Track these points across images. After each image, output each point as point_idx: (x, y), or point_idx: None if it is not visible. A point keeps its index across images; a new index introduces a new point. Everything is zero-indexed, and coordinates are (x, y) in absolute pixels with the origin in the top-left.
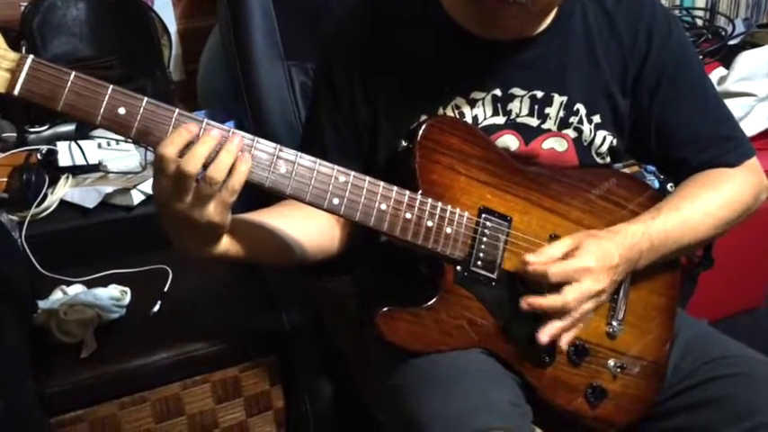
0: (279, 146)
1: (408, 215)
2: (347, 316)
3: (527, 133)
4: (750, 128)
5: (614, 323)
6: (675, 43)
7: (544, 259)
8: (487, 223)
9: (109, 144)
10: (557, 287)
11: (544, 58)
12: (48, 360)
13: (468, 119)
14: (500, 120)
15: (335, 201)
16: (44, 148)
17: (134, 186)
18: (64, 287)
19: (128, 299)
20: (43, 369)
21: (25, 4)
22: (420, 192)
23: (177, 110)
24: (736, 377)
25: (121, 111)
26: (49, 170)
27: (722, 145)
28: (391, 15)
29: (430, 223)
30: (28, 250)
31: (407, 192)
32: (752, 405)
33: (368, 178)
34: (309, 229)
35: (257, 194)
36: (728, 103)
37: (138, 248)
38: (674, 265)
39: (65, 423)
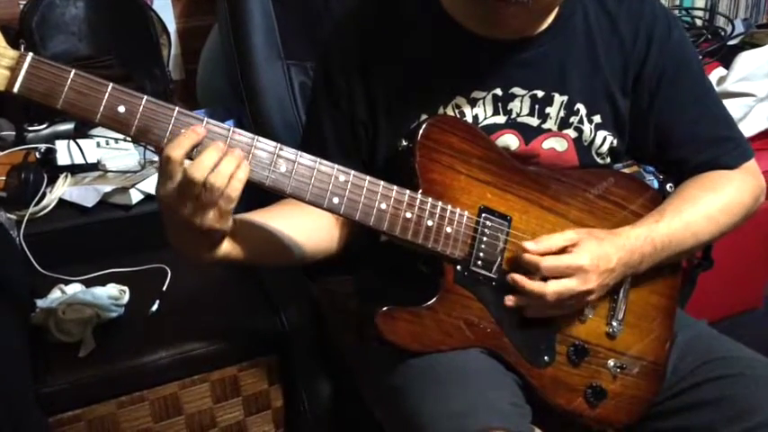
0: (279, 145)
1: (408, 214)
2: (346, 315)
3: (527, 133)
4: (750, 128)
5: (614, 323)
6: (676, 44)
7: (541, 248)
8: (487, 223)
9: (108, 143)
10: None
11: (545, 57)
12: (46, 359)
13: (469, 118)
14: (500, 119)
15: (335, 200)
16: (43, 146)
17: (133, 185)
18: (62, 286)
19: (126, 298)
20: (41, 368)
21: (24, 2)
22: (420, 191)
23: (177, 108)
24: (735, 377)
25: (121, 109)
26: (47, 169)
27: (721, 145)
28: (391, 15)
29: (430, 222)
30: (26, 249)
31: (407, 191)
32: (751, 405)
33: (368, 177)
34: (309, 228)
35: (256, 194)
36: (728, 103)
37: (137, 248)
38: (675, 265)
39: (63, 422)
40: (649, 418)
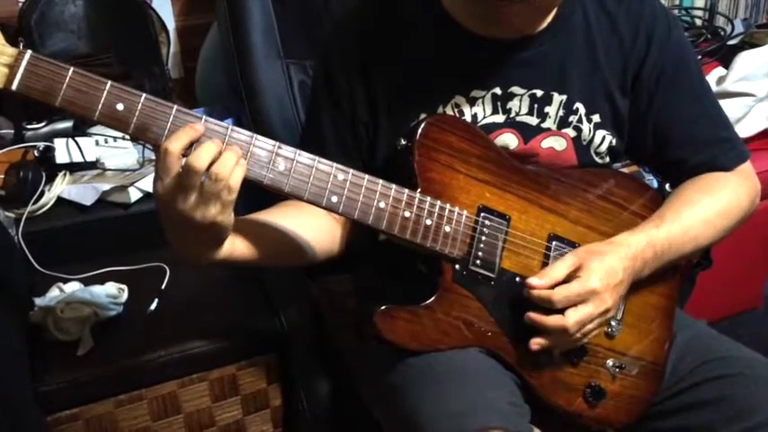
0: (277, 143)
1: (407, 213)
2: (345, 314)
3: (526, 132)
4: (749, 128)
5: (613, 323)
6: (675, 44)
7: (547, 282)
8: (486, 222)
9: (106, 141)
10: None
11: (544, 57)
12: (44, 358)
13: (468, 117)
14: (499, 118)
15: (334, 198)
16: (41, 144)
17: (131, 184)
18: (61, 284)
19: (125, 296)
20: (40, 367)
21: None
22: (419, 190)
23: (176, 106)
24: (734, 377)
25: (120, 107)
26: (46, 167)
27: (719, 146)
28: (392, 15)
29: (429, 221)
30: (25, 247)
31: (406, 190)
32: (750, 405)
33: (366, 176)
34: (311, 229)
35: (255, 197)
36: (727, 103)
37: (136, 246)
38: (674, 266)
39: (61, 421)
40: (649, 418)
